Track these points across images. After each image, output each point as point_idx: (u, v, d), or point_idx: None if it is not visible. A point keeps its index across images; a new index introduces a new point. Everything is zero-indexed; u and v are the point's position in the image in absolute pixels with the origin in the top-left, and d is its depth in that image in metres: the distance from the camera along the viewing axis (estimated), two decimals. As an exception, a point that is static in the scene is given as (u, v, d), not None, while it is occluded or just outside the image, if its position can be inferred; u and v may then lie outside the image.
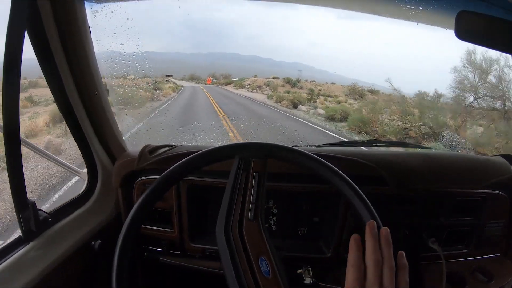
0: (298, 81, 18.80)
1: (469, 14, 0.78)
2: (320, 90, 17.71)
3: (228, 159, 0.70)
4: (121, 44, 1.02)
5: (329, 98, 15.01)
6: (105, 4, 0.86)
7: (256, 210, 0.66)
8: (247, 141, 0.74)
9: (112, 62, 1.06)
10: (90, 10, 0.80)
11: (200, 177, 0.93)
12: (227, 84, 21.36)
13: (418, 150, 1.31)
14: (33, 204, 0.74)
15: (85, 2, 0.78)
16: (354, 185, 0.62)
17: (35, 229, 0.75)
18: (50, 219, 0.80)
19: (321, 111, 11.00)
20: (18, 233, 0.76)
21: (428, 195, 0.98)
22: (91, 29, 0.82)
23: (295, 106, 12.43)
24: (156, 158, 0.93)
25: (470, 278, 1.00)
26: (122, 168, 0.97)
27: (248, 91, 18.35)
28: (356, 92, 15.42)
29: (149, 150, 0.96)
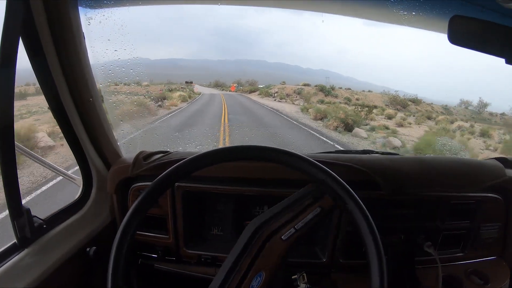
0: (333, 88, 17.13)
1: (462, 19, 0.79)
2: (357, 99, 16.32)
3: (219, 163, 0.70)
4: (115, 50, 1.02)
5: (374, 110, 12.64)
6: (99, 11, 0.87)
7: (294, 234, 0.67)
8: None
9: (106, 69, 1.06)
10: (84, 17, 0.81)
11: (194, 183, 0.94)
12: (251, 91, 19.98)
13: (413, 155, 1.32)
14: (28, 210, 0.74)
15: (79, 8, 0.79)
16: (358, 198, 0.63)
17: (30, 236, 0.75)
18: (45, 226, 0.80)
19: (396, 142, 7.96)
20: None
21: (423, 199, 0.98)
22: (85, 35, 0.82)
23: (348, 128, 8.71)
24: (151, 165, 0.93)
25: (466, 281, 1.00)
26: (117, 174, 0.97)
27: (275, 100, 16.64)
28: (398, 102, 14.38)
29: (144, 157, 0.96)
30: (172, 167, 0.65)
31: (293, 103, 15.53)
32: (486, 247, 1.05)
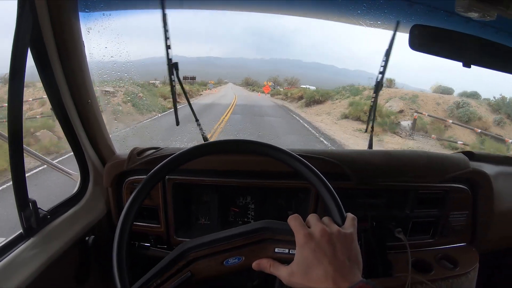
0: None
1: (421, 28, 0.85)
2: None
3: (207, 156, 0.73)
4: (112, 57, 1.10)
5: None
6: (98, 22, 0.95)
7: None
8: None
9: (102, 73, 1.14)
10: (84, 27, 0.88)
11: (183, 176, 1.02)
12: (311, 101, 12.72)
13: (381, 149, 1.42)
14: (34, 202, 0.80)
15: (80, 19, 0.87)
16: (326, 181, 0.64)
17: (36, 226, 0.81)
18: (49, 216, 0.86)
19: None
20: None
21: (391, 189, 1.06)
22: (84, 43, 0.90)
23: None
24: (144, 160, 1.01)
25: (436, 265, 1.06)
26: (113, 169, 1.04)
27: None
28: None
29: (137, 152, 1.04)
30: (164, 160, 0.68)
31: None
32: (455, 234, 1.12)
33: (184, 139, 5.61)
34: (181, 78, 1.18)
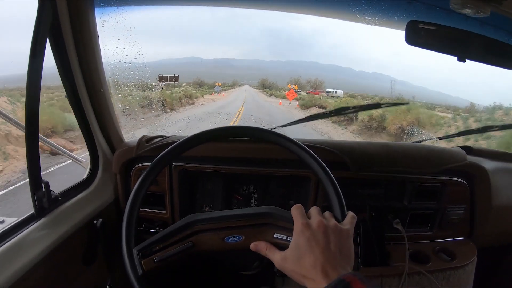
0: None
1: (417, 24, 0.89)
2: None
3: (212, 141, 0.77)
4: (124, 48, 1.16)
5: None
6: (112, 15, 1.00)
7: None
8: None
9: (114, 65, 1.20)
10: (99, 19, 0.94)
11: (190, 163, 1.06)
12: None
13: (380, 139, 1.41)
14: (47, 183, 0.83)
15: (96, 11, 0.92)
16: (330, 173, 0.67)
17: (48, 206, 0.84)
18: (60, 198, 0.90)
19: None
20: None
21: (390, 180, 1.08)
22: (99, 35, 0.96)
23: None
24: (152, 146, 1.06)
25: (434, 257, 1.08)
26: (122, 155, 1.09)
27: None
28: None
29: (146, 140, 1.08)
30: (170, 146, 0.73)
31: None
32: (453, 227, 1.14)
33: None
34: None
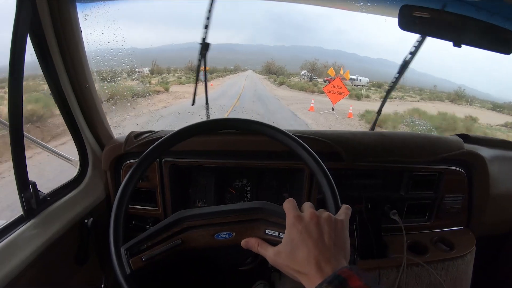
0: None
1: (411, 8, 0.86)
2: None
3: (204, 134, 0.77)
4: (108, 42, 1.13)
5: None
6: (94, 8, 0.97)
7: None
8: None
9: (99, 59, 1.17)
10: (81, 13, 0.91)
11: (180, 158, 1.04)
12: None
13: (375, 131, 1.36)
14: (34, 184, 0.81)
15: (77, 6, 0.89)
16: (322, 164, 0.65)
17: (36, 207, 0.83)
18: (48, 198, 0.88)
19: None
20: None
21: (386, 170, 1.06)
22: (82, 30, 0.93)
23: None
24: (141, 141, 1.03)
25: (432, 247, 1.07)
26: (111, 152, 1.06)
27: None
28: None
29: (134, 135, 1.06)
30: (157, 142, 0.72)
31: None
32: (451, 217, 1.12)
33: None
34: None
